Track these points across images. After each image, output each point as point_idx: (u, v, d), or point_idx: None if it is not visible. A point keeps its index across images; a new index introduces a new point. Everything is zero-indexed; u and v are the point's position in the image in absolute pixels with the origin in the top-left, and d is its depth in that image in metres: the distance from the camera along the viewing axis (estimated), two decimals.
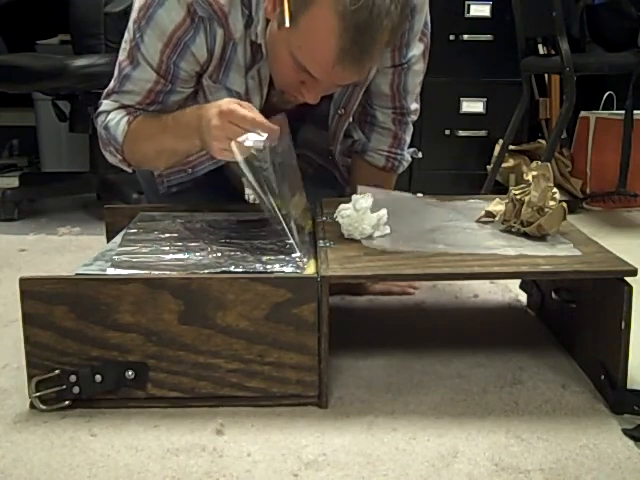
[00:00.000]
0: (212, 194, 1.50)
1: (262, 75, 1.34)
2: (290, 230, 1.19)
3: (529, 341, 1.35)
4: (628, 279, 1.07)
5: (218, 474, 0.93)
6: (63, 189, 2.70)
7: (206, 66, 1.32)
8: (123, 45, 1.34)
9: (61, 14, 2.79)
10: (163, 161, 1.41)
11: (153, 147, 1.36)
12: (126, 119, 1.36)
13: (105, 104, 1.39)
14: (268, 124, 1.14)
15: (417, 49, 1.46)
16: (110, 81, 1.39)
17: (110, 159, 1.44)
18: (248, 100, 1.35)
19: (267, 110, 1.33)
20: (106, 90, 1.39)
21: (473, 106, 2.92)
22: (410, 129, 1.60)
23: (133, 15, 1.29)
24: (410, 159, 1.62)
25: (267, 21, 1.24)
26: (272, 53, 1.26)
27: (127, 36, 1.33)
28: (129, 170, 1.45)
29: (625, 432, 1.02)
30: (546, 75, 2.94)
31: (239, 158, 1.12)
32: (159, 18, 1.25)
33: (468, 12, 2.86)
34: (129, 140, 1.37)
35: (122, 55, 1.35)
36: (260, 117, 1.15)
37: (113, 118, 1.37)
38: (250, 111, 1.15)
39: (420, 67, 1.50)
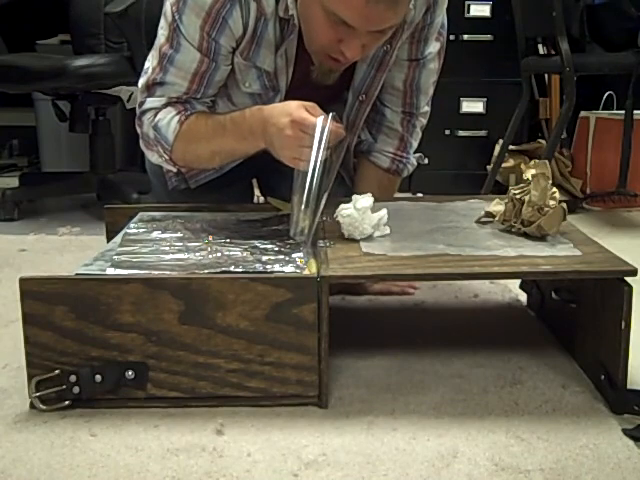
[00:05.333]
0: (220, 191, 1.50)
1: (289, 54, 1.35)
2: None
3: (529, 341, 1.35)
4: (628, 279, 1.07)
5: (218, 474, 0.93)
6: (63, 189, 2.70)
7: (240, 41, 1.32)
8: (160, 32, 1.35)
9: (61, 14, 2.80)
10: (217, 162, 1.41)
11: (208, 149, 1.36)
12: (177, 118, 1.36)
13: (150, 101, 1.38)
14: (336, 131, 1.19)
15: (433, 47, 1.48)
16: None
17: (153, 159, 1.45)
18: (275, 79, 1.37)
19: (306, 94, 1.33)
20: (146, 80, 1.38)
21: (473, 106, 2.92)
22: (418, 134, 1.60)
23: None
24: (415, 164, 1.62)
25: None
26: (305, 17, 1.26)
27: (164, 22, 1.34)
28: (174, 169, 1.45)
29: (625, 432, 1.02)
30: (546, 75, 2.94)
31: (311, 166, 1.16)
32: None
33: (468, 12, 2.86)
34: (181, 141, 1.36)
35: (160, 40, 1.35)
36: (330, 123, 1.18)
37: (163, 118, 1.37)
38: (318, 114, 1.18)
39: (435, 66, 1.51)
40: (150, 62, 1.39)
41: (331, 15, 1.18)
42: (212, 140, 1.34)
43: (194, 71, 1.34)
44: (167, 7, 1.32)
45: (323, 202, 1.22)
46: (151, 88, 1.38)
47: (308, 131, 1.17)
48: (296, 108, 1.20)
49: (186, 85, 1.35)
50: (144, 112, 1.39)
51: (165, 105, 1.37)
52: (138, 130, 1.42)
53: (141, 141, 1.43)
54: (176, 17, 1.30)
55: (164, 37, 1.34)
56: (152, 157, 1.44)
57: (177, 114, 1.36)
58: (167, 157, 1.40)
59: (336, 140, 1.21)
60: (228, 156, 1.38)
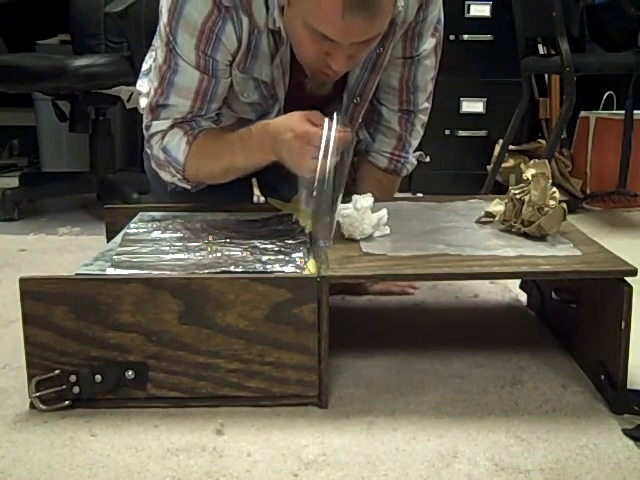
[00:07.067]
0: (219, 193, 1.50)
1: (284, 64, 1.35)
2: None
3: (529, 341, 1.35)
4: (628, 279, 1.07)
5: (218, 474, 0.93)
6: (63, 189, 2.70)
7: (235, 54, 1.32)
8: (158, 52, 1.35)
9: (61, 14, 2.80)
10: (230, 177, 1.41)
11: (220, 166, 1.37)
12: (185, 140, 1.37)
13: (156, 125, 1.39)
14: (341, 135, 1.19)
15: (429, 44, 1.47)
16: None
17: (166, 178, 1.45)
18: (273, 89, 1.38)
19: (304, 99, 1.34)
20: (149, 102, 1.38)
21: (473, 106, 2.92)
22: (418, 132, 1.59)
23: (163, 19, 1.31)
24: (415, 163, 1.62)
25: (282, 9, 1.26)
26: (291, 34, 1.27)
27: (159, 42, 1.34)
28: (187, 187, 1.45)
29: (625, 432, 1.02)
30: (546, 75, 2.94)
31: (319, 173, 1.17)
32: (187, 14, 1.26)
33: (468, 12, 2.86)
34: (192, 160, 1.37)
35: (159, 60, 1.35)
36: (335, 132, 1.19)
37: (171, 140, 1.38)
38: (320, 122, 1.19)
39: (431, 62, 1.50)
40: (151, 80, 1.39)
41: (313, 31, 1.18)
42: (223, 158, 1.36)
43: (195, 89, 1.34)
44: (161, 27, 1.32)
45: (339, 203, 1.23)
46: (155, 111, 1.38)
47: (313, 143, 1.18)
48: (298, 121, 1.21)
49: (189, 104, 1.36)
50: (152, 135, 1.40)
51: (171, 127, 1.38)
52: (148, 151, 1.43)
53: (152, 162, 1.44)
54: (170, 38, 1.30)
55: (162, 58, 1.34)
56: (165, 177, 1.45)
57: (184, 135, 1.37)
58: (180, 177, 1.41)
59: (345, 145, 1.22)
60: (240, 171, 1.38)
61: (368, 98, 1.50)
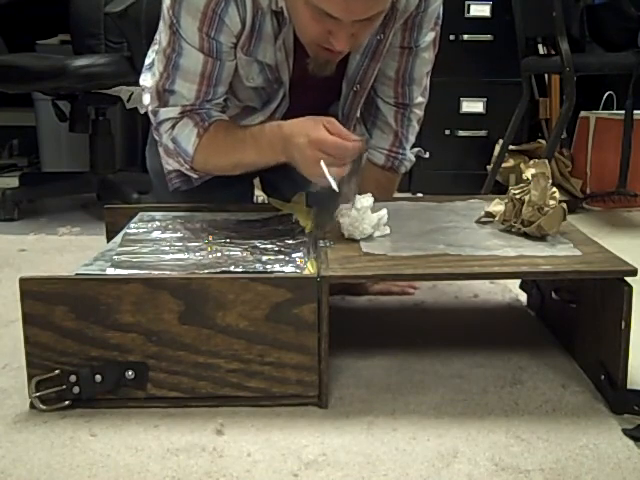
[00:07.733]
0: (220, 192, 1.50)
1: (287, 46, 1.34)
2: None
3: (529, 341, 1.35)
4: (628, 279, 1.07)
5: (218, 474, 0.93)
6: (63, 189, 2.70)
7: (239, 36, 1.32)
8: (162, 35, 1.35)
9: (61, 14, 2.80)
10: (238, 171, 1.41)
11: (230, 161, 1.37)
12: (195, 132, 1.36)
13: (165, 112, 1.38)
14: (355, 144, 1.19)
15: (428, 37, 1.47)
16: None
17: (174, 166, 1.45)
18: (277, 72, 1.37)
19: (308, 84, 1.34)
20: (155, 86, 1.37)
21: (473, 106, 2.93)
22: (414, 128, 1.58)
23: (166, 2, 1.30)
24: (414, 159, 1.61)
25: None
26: (293, 13, 1.26)
27: (162, 25, 1.33)
28: (194, 176, 1.45)
29: (625, 432, 1.02)
30: (546, 75, 2.94)
31: (333, 183, 1.18)
32: None
33: (468, 12, 2.86)
34: (201, 153, 1.37)
35: (162, 43, 1.34)
36: (347, 138, 1.19)
37: (181, 132, 1.37)
38: (336, 130, 1.19)
39: (428, 55, 1.50)
40: (156, 65, 1.39)
41: (314, 8, 1.17)
42: (232, 154, 1.36)
43: (201, 72, 1.33)
44: (164, 9, 1.32)
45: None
46: (162, 96, 1.37)
47: (327, 150, 1.18)
48: (313, 127, 1.20)
49: (195, 88, 1.35)
50: (160, 123, 1.39)
51: (181, 115, 1.37)
52: (156, 137, 1.43)
53: (160, 149, 1.43)
54: (174, 20, 1.29)
55: (166, 41, 1.33)
56: (173, 165, 1.44)
57: (195, 126, 1.36)
58: (188, 167, 1.41)
59: (358, 154, 1.22)
60: (249, 167, 1.38)
61: (368, 86, 1.49)
